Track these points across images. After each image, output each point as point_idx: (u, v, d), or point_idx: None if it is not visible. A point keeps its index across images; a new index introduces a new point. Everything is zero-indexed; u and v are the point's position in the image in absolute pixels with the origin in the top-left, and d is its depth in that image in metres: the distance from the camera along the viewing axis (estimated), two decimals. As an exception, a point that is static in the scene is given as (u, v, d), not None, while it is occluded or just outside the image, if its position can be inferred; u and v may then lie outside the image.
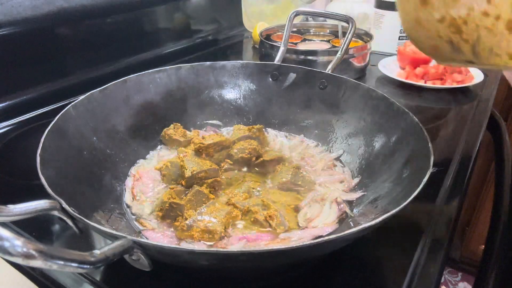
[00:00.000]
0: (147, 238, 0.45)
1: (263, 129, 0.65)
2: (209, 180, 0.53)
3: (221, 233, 0.45)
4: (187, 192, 0.51)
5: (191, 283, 0.43)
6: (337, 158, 0.61)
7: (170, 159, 0.57)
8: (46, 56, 0.78)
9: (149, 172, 0.57)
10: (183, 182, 0.53)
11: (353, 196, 0.53)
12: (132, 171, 0.57)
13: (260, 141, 0.63)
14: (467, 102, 0.84)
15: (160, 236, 0.46)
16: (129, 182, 0.55)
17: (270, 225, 0.47)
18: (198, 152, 0.57)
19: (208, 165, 0.54)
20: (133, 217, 0.49)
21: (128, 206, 0.51)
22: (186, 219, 0.46)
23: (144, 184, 0.55)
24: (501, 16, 0.33)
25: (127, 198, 0.52)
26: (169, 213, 0.48)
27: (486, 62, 0.34)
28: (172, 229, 0.47)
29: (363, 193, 0.52)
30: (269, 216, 0.47)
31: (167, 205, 0.47)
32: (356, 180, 0.56)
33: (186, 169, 0.53)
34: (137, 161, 0.60)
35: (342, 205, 0.51)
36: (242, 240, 0.45)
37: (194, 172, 0.52)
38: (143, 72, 0.64)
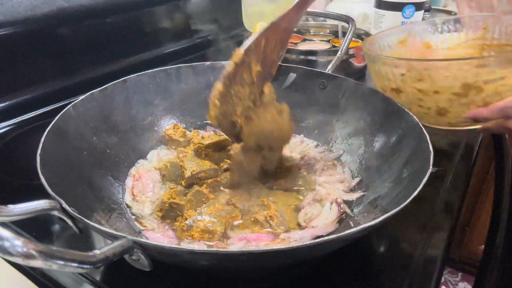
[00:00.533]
0: (147, 238, 0.45)
1: None
2: (209, 180, 0.53)
3: (221, 233, 0.45)
4: (187, 192, 0.51)
5: (191, 283, 0.43)
6: (337, 158, 0.61)
7: (169, 159, 0.57)
8: (46, 56, 0.78)
9: (149, 172, 0.57)
10: (183, 182, 0.53)
11: (353, 196, 0.53)
12: (132, 171, 0.57)
13: None
14: (467, 102, 0.84)
15: (160, 236, 0.46)
16: (129, 182, 0.55)
17: (270, 225, 0.47)
18: (198, 152, 0.57)
19: (207, 165, 0.54)
20: (133, 217, 0.49)
21: (128, 206, 0.51)
22: (186, 219, 0.46)
23: (144, 184, 0.55)
24: (431, 108, 0.57)
25: (127, 198, 0.52)
26: (169, 213, 0.48)
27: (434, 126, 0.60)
28: (172, 229, 0.47)
29: (363, 193, 0.52)
30: (269, 217, 0.47)
31: (167, 205, 0.47)
32: (356, 180, 0.56)
33: (186, 169, 0.53)
34: (137, 161, 0.60)
35: (342, 205, 0.51)
36: (242, 240, 0.45)
37: (194, 172, 0.52)
38: (143, 72, 0.64)
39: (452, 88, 0.54)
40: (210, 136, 0.60)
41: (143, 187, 0.54)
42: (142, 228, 0.47)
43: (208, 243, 0.44)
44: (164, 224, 0.48)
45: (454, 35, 0.74)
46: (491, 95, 0.52)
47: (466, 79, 0.53)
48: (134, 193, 0.53)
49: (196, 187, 0.50)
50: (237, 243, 0.45)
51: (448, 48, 0.75)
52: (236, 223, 0.48)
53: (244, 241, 0.45)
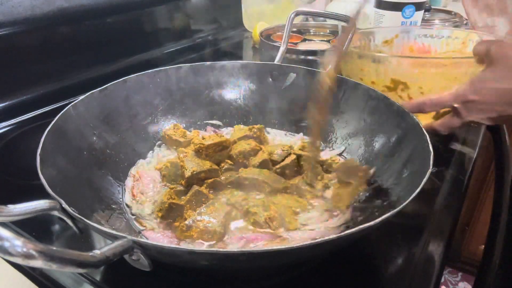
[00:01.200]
0: (147, 238, 0.45)
1: (264, 129, 0.65)
2: (209, 180, 0.53)
3: (220, 233, 0.45)
4: (186, 192, 0.51)
5: (191, 283, 0.43)
6: (340, 155, 0.61)
7: (170, 159, 0.57)
8: (46, 56, 0.78)
9: (149, 172, 0.57)
10: (182, 182, 0.53)
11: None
12: (132, 171, 0.57)
13: (261, 141, 0.62)
14: (467, 102, 0.84)
15: (160, 236, 0.46)
16: (129, 182, 0.55)
17: (269, 227, 0.46)
18: (198, 152, 0.57)
19: (208, 165, 0.54)
20: (133, 217, 0.49)
21: (128, 206, 0.51)
22: (185, 219, 0.46)
23: (144, 184, 0.55)
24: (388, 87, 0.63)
25: (127, 198, 0.52)
26: (168, 213, 0.48)
27: None
28: (172, 229, 0.47)
29: (364, 193, 0.52)
30: (269, 218, 0.47)
31: (167, 205, 0.47)
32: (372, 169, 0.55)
33: (186, 169, 0.53)
34: (137, 161, 0.60)
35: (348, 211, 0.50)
36: (241, 240, 0.45)
37: (194, 172, 0.52)
38: (143, 72, 0.64)
39: (384, 81, 0.61)
40: (210, 136, 0.60)
41: (143, 187, 0.54)
42: (142, 228, 0.47)
43: (207, 243, 0.44)
44: (164, 224, 0.48)
45: (438, 42, 0.79)
46: (415, 92, 0.58)
47: (394, 75, 0.61)
48: (134, 193, 0.53)
49: (196, 187, 0.50)
50: (236, 243, 0.45)
51: (430, 56, 0.80)
52: (235, 223, 0.48)
53: (244, 240, 0.45)
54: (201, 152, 0.57)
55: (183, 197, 0.50)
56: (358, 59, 0.67)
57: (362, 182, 0.53)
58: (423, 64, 0.61)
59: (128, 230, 0.46)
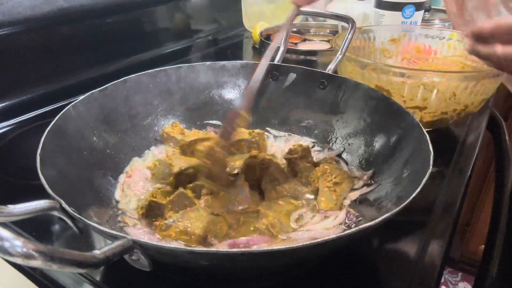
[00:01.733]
0: (128, 234, 0.45)
1: (264, 134, 0.64)
2: (190, 185, 0.50)
3: (199, 236, 0.43)
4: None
5: (191, 283, 0.43)
6: (339, 155, 0.61)
7: (158, 158, 0.57)
8: (46, 56, 0.78)
9: (141, 170, 0.57)
10: (171, 179, 0.52)
11: (354, 195, 0.52)
12: (126, 169, 0.57)
13: (259, 146, 0.62)
14: (467, 102, 0.84)
15: (141, 232, 0.45)
16: (121, 178, 0.55)
17: (272, 234, 0.45)
18: (183, 149, 0.57)
19: (195, 161, 0.53)
20: (120, 213, 0.49)
21: (117, 202, 0.50)
22: (165, 219, 0.45)
23: (134, 182, 0.54)
24: None
25: (117, 194, 0.52)
26: (148, 211, 0.47)
27: None
28: (152, 227, 0.46)
29: (363, 193, 0.52)
30: (271, 225, 0.45)
31: (147, 203, 0.47)
32: (370, 172, 0.54)
33: (174, 166, 0.52)
34: (132, 159, 0.59)
35: (350, 214, 0.50)
36: (231, 246, 0.44)
37: (182, 168, 0.52)
38: (143, 72, 0.64)
39: (370, 85, 0.62)
40: (192, 132, 0.59)
41: (132, 185, 0.53)
42: (123, 224, 0.46)
43: (186, 243, 0.43)
44: (145, 222, 0.47)
45: (446, 45, 0.79)
46: (397, 101, 0.58)
47: (378, 81, 0.64)
48: (123, 189, 0.52)
49: (181, 189, 0.48)
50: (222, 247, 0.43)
51: (435, 57, 0.80)
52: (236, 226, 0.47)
53: (232, 245, 0.44)
54: (185, 149, 0.57)
55: (168, 198, 0.48)
56: (347, 61, 0.67)
57: (347, 184, 0.53)
58: (408, 76, 0.62)
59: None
